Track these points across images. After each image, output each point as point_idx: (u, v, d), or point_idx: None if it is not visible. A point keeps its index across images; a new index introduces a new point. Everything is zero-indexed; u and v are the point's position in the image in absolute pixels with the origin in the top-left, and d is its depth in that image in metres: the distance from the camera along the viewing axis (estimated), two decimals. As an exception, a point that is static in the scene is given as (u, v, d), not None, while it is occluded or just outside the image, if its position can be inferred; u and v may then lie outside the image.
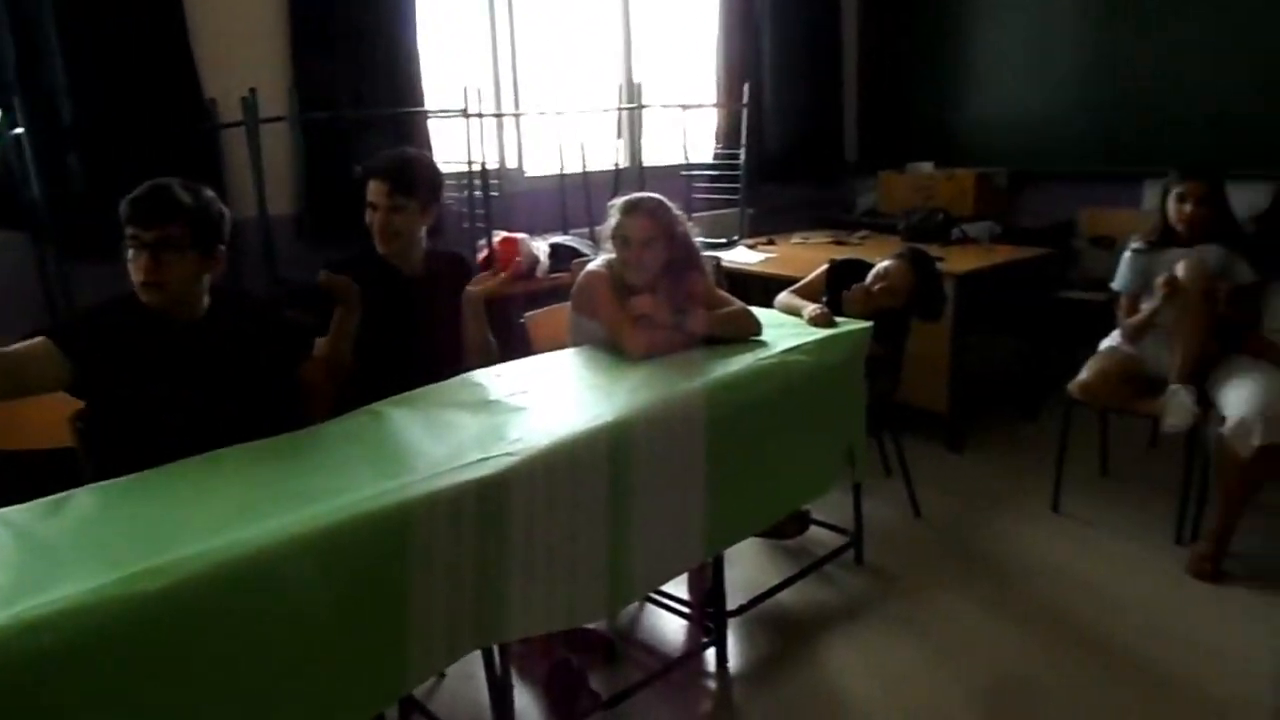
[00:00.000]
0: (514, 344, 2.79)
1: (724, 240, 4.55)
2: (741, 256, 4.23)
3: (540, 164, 4.48)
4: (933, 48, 5.57)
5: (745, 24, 5.18)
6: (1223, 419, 2.71)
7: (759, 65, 5.30)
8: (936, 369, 3.70)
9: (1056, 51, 5.05)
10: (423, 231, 2.46)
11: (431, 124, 3.85)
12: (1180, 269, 2.81)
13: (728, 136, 5.03)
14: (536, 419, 1.91)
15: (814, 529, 3.06)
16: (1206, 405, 2.81)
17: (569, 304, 2.57)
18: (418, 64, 3.76)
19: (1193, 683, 2.32)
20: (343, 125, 3.48)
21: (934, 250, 3.98)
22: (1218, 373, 2.85)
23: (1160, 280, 2.84)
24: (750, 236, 4.79)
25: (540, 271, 3.75)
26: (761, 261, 4.11)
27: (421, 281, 2.44)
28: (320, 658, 1.47)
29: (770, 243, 4.59)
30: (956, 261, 3.80)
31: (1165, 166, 3.07)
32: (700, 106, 5.00)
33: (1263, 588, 2.73)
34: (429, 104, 3.80)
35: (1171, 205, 2.93)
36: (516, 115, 4.32)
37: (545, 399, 2.06)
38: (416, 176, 2.36)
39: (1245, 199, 3.00)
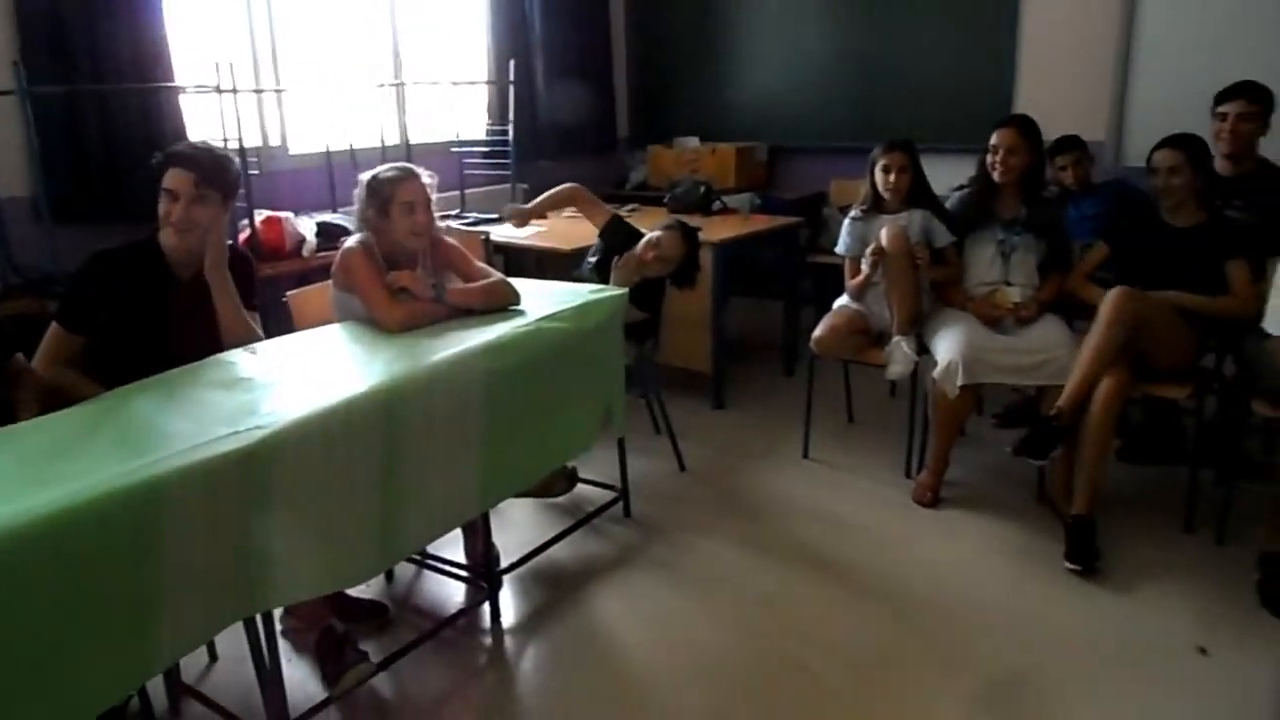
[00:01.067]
0: (280, 325, 2.77)
1: (495, 216, 4.63)
2: (513, 231, 4.33)
3: (306, 141, 4.39)
4: (697, 28, 5.85)
5: (513, 1, 5.26)
6: (935, 363, 3.08)
7: (529, 43, 5.39)
8: (700, 331, 3.96)
9: (807, 35, 5.45)
10: (223, 227, 2.35)
11: (186, 100, 3.70)
12: (883, 236, 3.16)
13: (499, 113, 5.11)
14: (293, 392, 1.95)
15: (585, 487, 3.23)
16: (925, 353, 3.19)
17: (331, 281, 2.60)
18: (164, 36, 3.61)
19: (914, 588, 2.66)
20: (79, 100, 3.29)
21: (696, 220, 4.25)
22: (930, 324, 3.23)
23: (870, 249, 3.19)
24: (524, 211, 4.89)
25: (307, 250, 3.71)
26: (533, 235, 4.23)
27: (199, 282, 2.33)
28: (57, 645, 1.47)
29: (542, 217, 4.71)
30: (716, 230, 4.06)
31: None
32: (467, 83, 5.04)
33: (971, 508, 3.15)
34: (181, 79, 3.65)
35: (878, 176, 3.29)
36: (277, 91, 4.22)
37: (303, 373, 2.09)
38: (223, 167, 2.29)
39: (966, 169, 3.39)
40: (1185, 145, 2.97)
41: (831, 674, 2.31)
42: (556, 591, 2.72)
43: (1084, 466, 2.81)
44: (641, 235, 3.29)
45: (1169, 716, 2.14)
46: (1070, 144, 3.86)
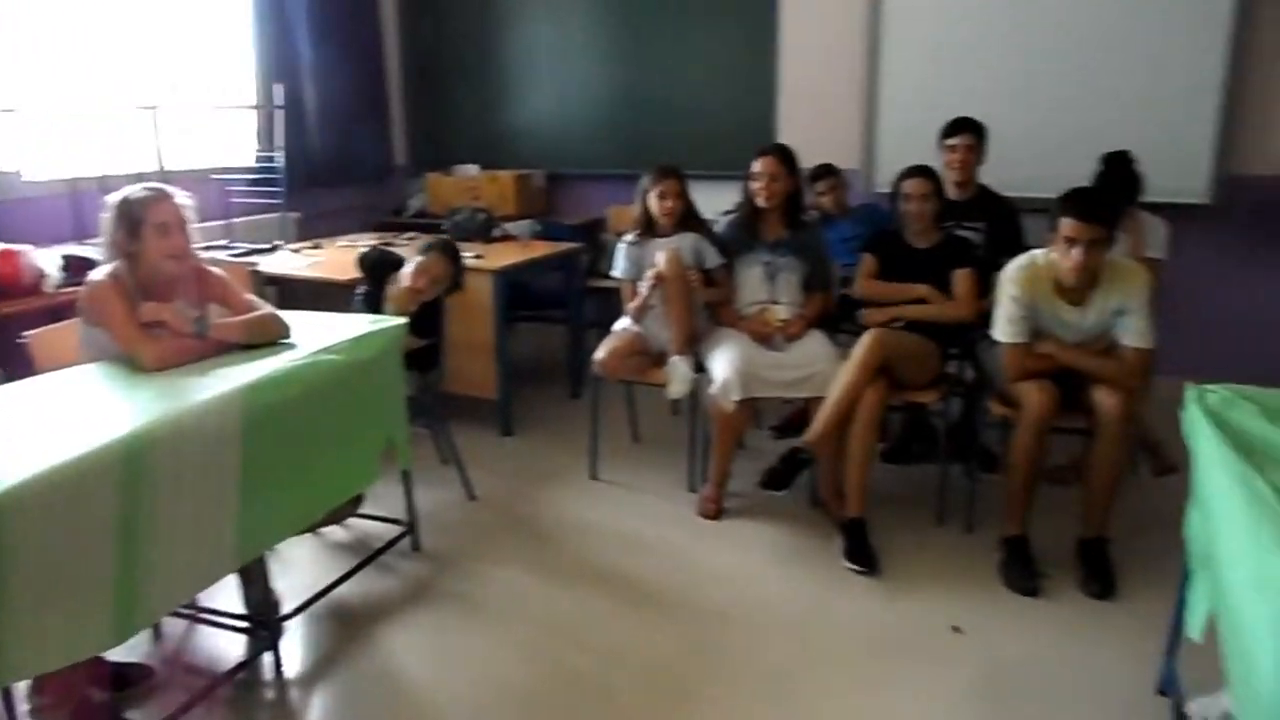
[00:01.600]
0: (16, 368, 2.52)
1: (266, 246, 4.43)
2: (285, 262, 4.16)
3: (48, 168, 4.03)
4: (472, 56, 5.85)
5: (278, 25, 5.06)
6: (712, 380, 3.22)
7: (297, 66, 5.21)
8: (484, 358, 3.94)
9: (581, 66, 5.58)
10: None
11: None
12: (660, 259, 3.29)
13: (268, 139, 4.89)
14: (17, 447, 1.77)
15: (372, 523, 3.13)
16: (702, 372, 3.32)
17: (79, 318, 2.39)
18: None
19: (705, 599, 2.76)
20: None
21: (476, 248, 4.24)
22: (705, 343, 3.38)
23: (649, 272, 3.31)
24: (298, 241, 4.71)
25: (49, 286, 3.40)
26: (308, 266, 4.07)
27: None
28: None
29: (317, 247, 4.55)
30: (497, 257, 4.07)
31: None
32: (230, 108, 4.80)
33: (752, 516, 3.31)
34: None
35: (651, 201, 3.42)
36: (5, 111, 3.85)
37: (35, 423, 1.91)
38: None
39: (731, 195, 3.59)
40: (931, 175, 3.30)
41: (631, 690, 2.36)
42: (344, 635, 2.61)
43: (854, 472, 3.03)
44: (401, 261, 3.25)
45: (933, 690, 2.33)
46: (827, 171, 4.16)
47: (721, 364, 3.19)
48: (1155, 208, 3.62)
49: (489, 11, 5.73)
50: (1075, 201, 2.68)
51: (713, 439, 3.33)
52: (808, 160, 4.00)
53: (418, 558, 3.04)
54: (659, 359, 3.45)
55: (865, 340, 3.05)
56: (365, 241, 4.76)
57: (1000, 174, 3.71)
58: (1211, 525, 1.77)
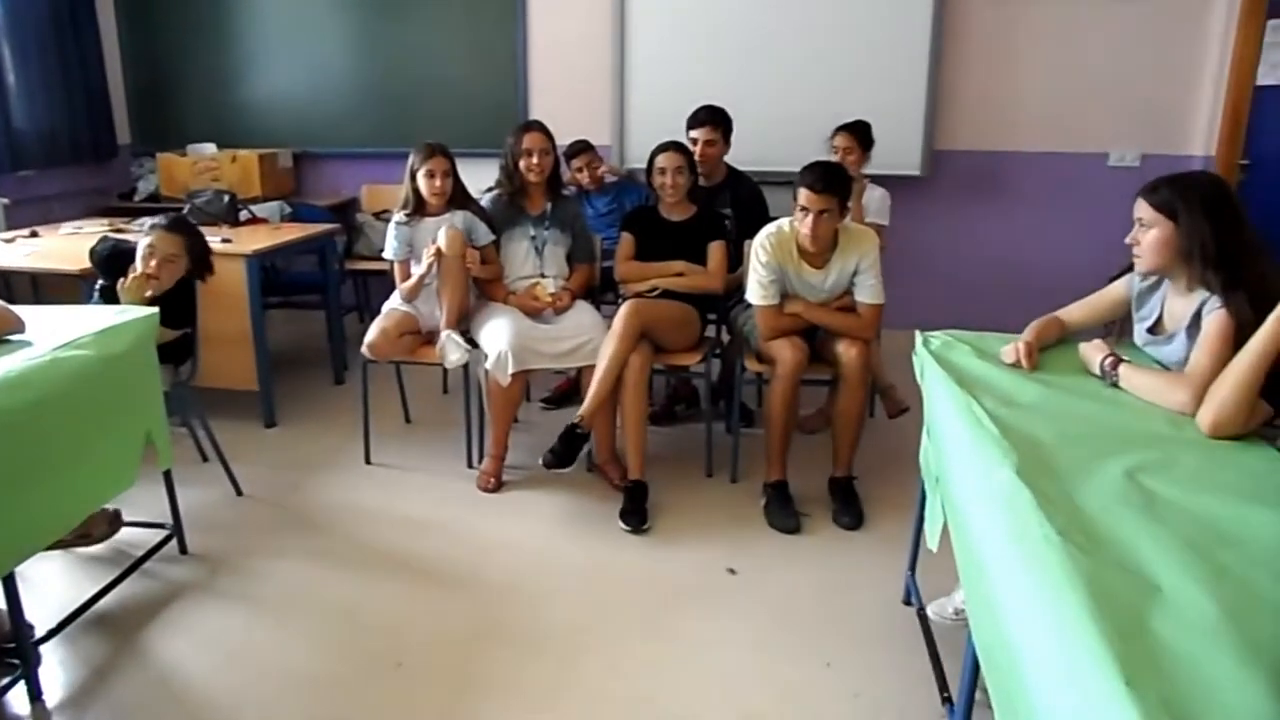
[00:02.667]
0: None
1: (-27, 235, 3.96)
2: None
3: None
4: (201, 28, 5.46)
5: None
6: (486, 355, 3.25)
7: (-11, 36, 4.65)
8: (241, 348, 3.75)
9: (324, 39, 5.36)
10: None
11: None
12: (441, 238, 3.27)
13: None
14: None
15: (132, 530, 2.92)
16: (474, 348, 3.34)
17: None
18: None
19: (492, 571, 2.80)
20: None
21: (224, 231, 4.01)
22: (476, 320, 3.40)
23: (429, 250, 3.29)
24: (9, 229, 4.24)
25: None
26: (27, 256, 3.68)
27: None
28: None
29: (34, 234, 4.11)
30: (245, 241, 3.86)
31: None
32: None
33: (533, 487, 3.38)
34: None
35: (422, 181, 3.38)
36: None
37: None
38: None
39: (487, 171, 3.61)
40: (683, 149, 3.48)
41: (425, 666, 2.37)
42: (112, 650, 2.43)
43: (631, 436, 3.17)
44: (128, 249, 3.01)
45: (716, 628, 2.52)
46: (584, 147, 4.27)
47: (495, 339, 3.23)
48: (879, 179, 4.03)
49: (216, -21, 5.37)
50: (810, 174, 2.95)
51: (488, 413, 3.37)
52: (562, 137, 4.10)
53: (186, 561, 2.87)
54: (430, 337, 3.43)
55: (623, 311, 3.20)
56: (91, 229, 4.36)
57: (746, 150, 3.98)
58: (941, 449, 2.04)
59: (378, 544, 2.98)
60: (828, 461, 3.23)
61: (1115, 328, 2.52)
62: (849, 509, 3.11)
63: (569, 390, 4.05)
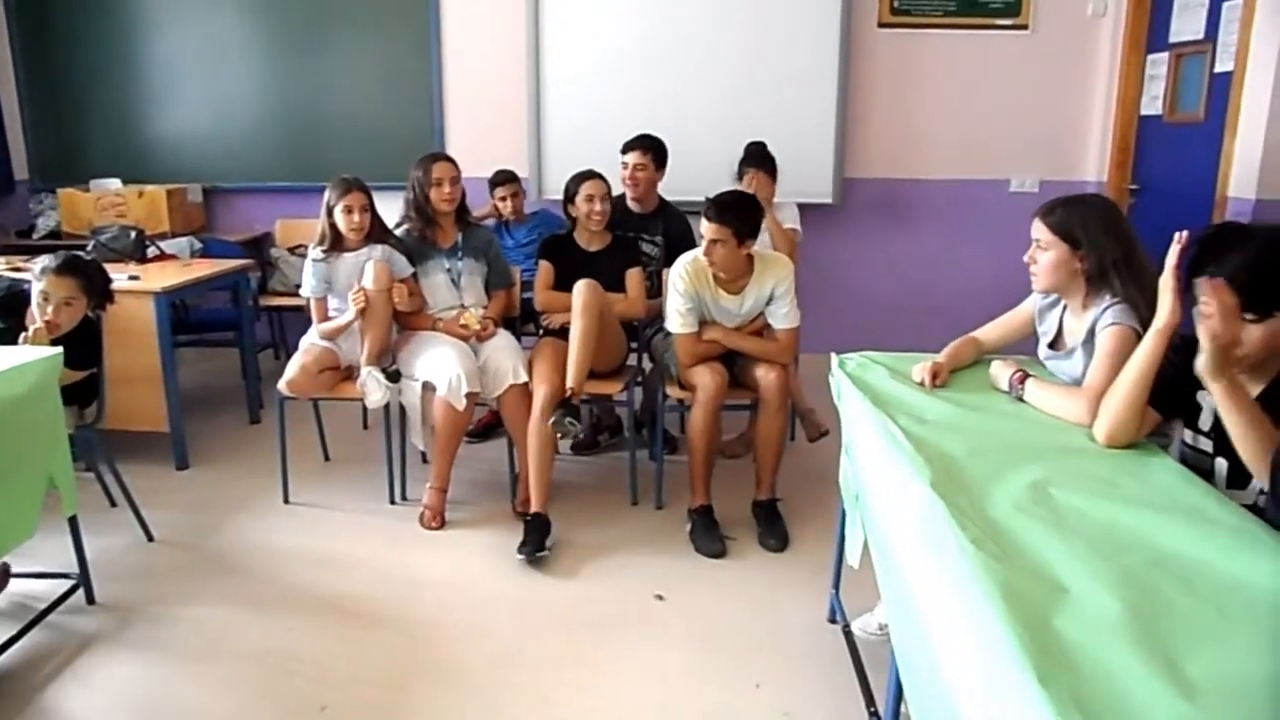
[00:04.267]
0: None
1: None
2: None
3: None
4: (104, 60, 5.31)
5: None
6: (424, 384, 3.21)
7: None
8: (150, 389, 3.64)
9: (233, 68, 5.27)
10: None
11: None
12: (368, 276, 3.23)
13: None
14: None
15: (34, 581, 2.79)
16: (397, 380, 3.29)
17: None
18: None
19: (418, 607, 2.76)
20: None
21: (131, 268, 3.90)
22: (404, 352, 3.36)
23: (355, 296, 3.24)
24: (-105, 270, 4.04)
25: None
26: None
27: None
28: None
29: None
30: (154, 278, 3.76)
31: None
32: None
33: (462, 522, 3.34)
34: None
35: (340, 216, 3.33)
36: None
37: None
38: None
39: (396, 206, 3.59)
40: (601, 178, 3.53)
41: (351, 708, 2.31)
42: (14, 711, 2.32)
43: (531, 468, 3.14)
44: (24, 290, 2.87)
45: (645, 654, 2.52)
46: (508, 177, 4.28)
47: (442, 365, 3.19)
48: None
49: (122, 11, 5.24)
50: (709, 206, 3.01)
51: (435, 447, 3.31)
52: (479, 169, 4.12)
53: (95, 611, 2.76)
54: (350, 373, 3.38)
55: (580, 289, 3.21)
56: (-13, 268, 4.19)
57: (665, 181, 4.05)
58: (859, 467, 2.10)
59: (298, 585, 2.91)
60: (751, 485, 3.27)
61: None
62: (773, 531, 3.16)
63: (492, 422, 4.03)
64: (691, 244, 3.83)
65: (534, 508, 3.13)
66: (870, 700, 2.24)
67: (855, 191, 5.10)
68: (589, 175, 3.52)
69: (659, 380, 3.45)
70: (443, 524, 3.30)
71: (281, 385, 3.28)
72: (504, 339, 3.43)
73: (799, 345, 3.30)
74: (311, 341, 3.43)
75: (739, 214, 3.01)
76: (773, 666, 2.48)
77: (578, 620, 2.71)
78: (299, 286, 3.49)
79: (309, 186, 5.13)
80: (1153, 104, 4.68)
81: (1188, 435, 1.91)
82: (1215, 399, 1.68)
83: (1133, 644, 1.18)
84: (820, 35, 4.88)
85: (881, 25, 4.98)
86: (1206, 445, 1.85)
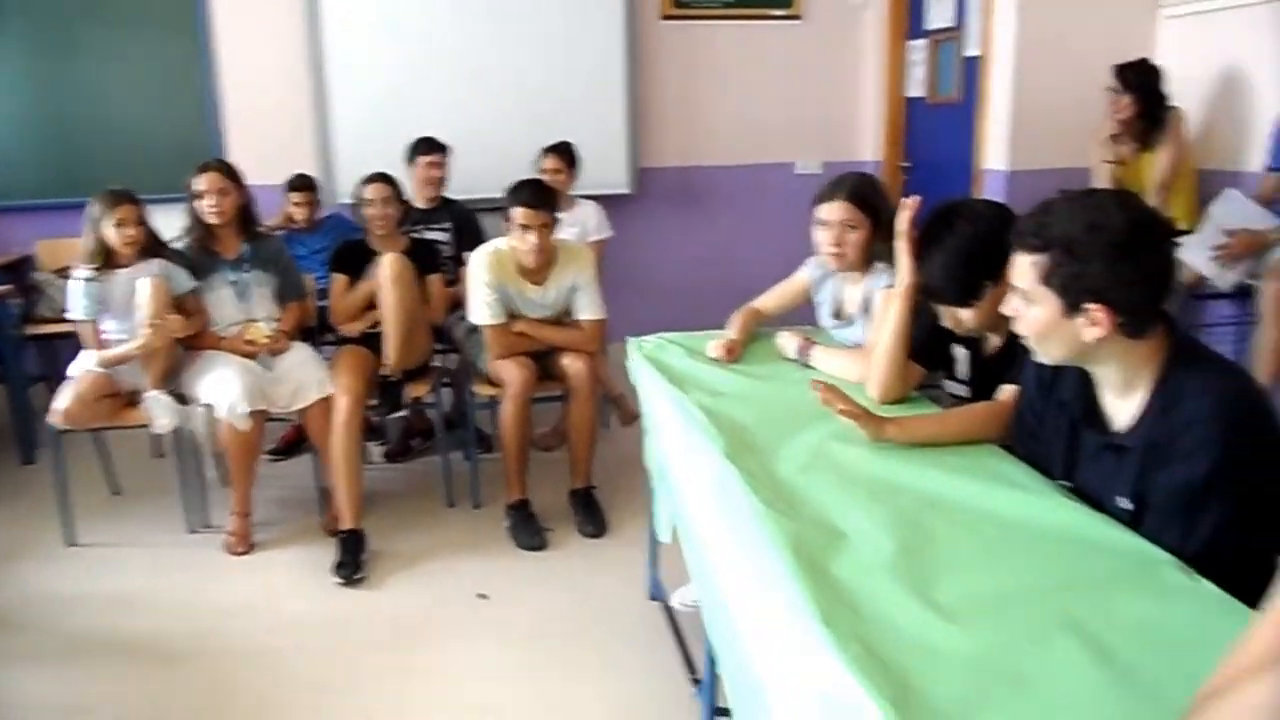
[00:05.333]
0: None
1: None
2: None
3: None
4: None
5: None
6: (207, 407, 3.04)
7: None
8: (-103, 436, 3.27)
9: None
10: None
11: None
12: (142, 294, 2.99)
13: None
14: None
15: None
16: (186, 403, 3.11)
17: None
18: None
19: (223, 639, 2.61)
20: None
21: None
22: (188, 374, 3.17)
23: (147, 324, 2.99)
24: None
25: None
26: None
27: None
28: None
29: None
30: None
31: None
32: None
33: (266, 545, 3.19)
34: None
35: (109, 231, 3.08)
36: None
37: None
38: None
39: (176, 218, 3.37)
40: (390, 180, 3.45)
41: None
42: None
43: (340, 482, 3.04)
44: None
45: (474, 656, 2.51)
46: (305, 183, 4.11)
47: (221, 387, 3.02)
48: (590, 197, 4.21)
49: None
50: (523, 192, 3.02)
51: (231, 470, 3.14)
52: (266, 175, 3.94)
53: None
54: (132, 398, 3.16)
55: (387, 263, 3.17)
56: None
57: (459, 179, 4.02)
58: (661, 445, 2.16)
59: (88, 631, 2.70)
60: (568, 476, 3.30)
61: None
62: (591, 518, 3.19)
63: (296, 439, 3.86)
64: (477, 231, 3.85)
65: (345, 524, 3.03)
66: (692, 668, 2.31)
67: (651, 181, 5.22)
68: (372, 178, 3.45)
69: (466, 378, 3.42)
70: (249, 548, 3.15)
71: (54, 417, 3.02)
72: (303, 351, 3.29)
73: (607, 334, 3.34)
74: (85, 367, 3.18)
75: (552, 200, 3.07)
76: (598, 649, 2.51)
77: (400, 631, 2.65)
78: (68, 311, 3.22)
79: (73, 203, 4.71)
80: (916, 86, 5.03)
81: (949, 384, 2.09)
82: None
83: (902, 578, 1.28)
84: (605, 29, 4.96)
85: (665, 18, 5.11)
86: (965, 392, 2.03)
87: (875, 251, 2.31)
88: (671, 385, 2.15)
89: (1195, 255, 3.28)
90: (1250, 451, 1.31)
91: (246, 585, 2.94)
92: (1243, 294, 3.31)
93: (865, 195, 2.30)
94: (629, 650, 2.50)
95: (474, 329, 3.23)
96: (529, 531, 3.12)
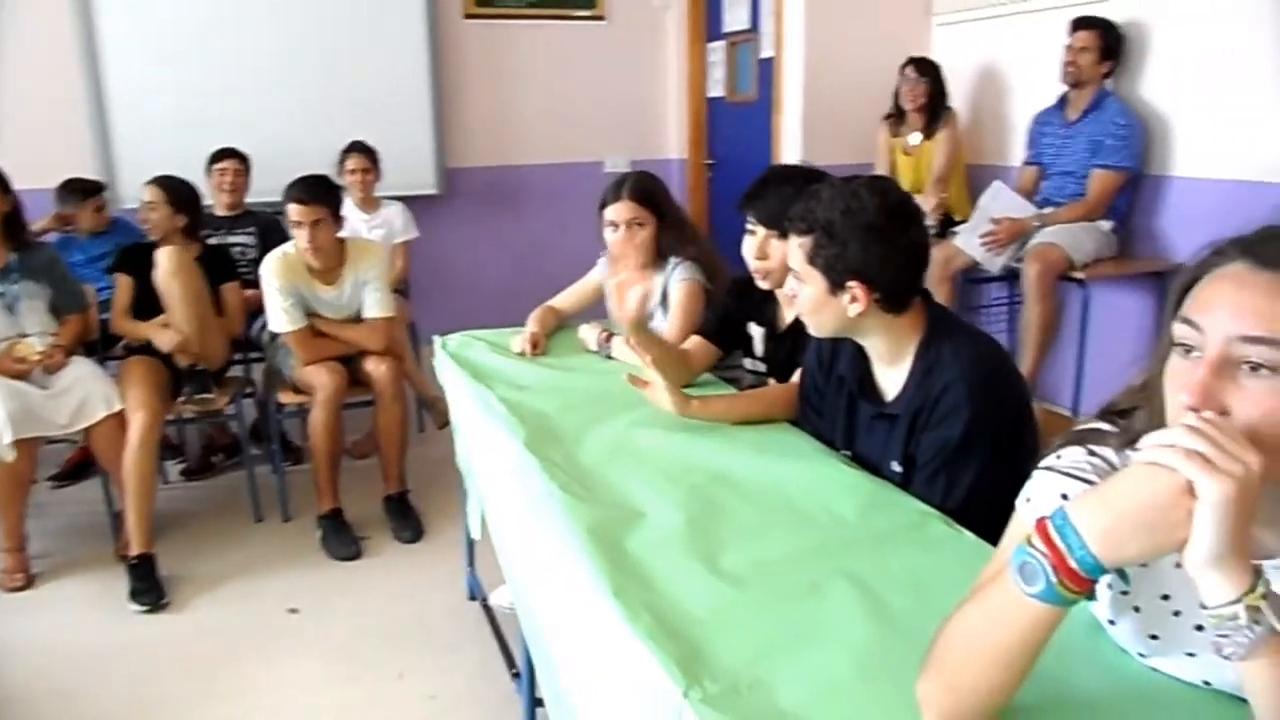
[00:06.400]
0: None
1: None
2: None
3: None
4: None
5: None
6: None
7: None
8: None
9: None
10: None
11: None
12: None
13: None
14: None
15: None
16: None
17: None
18: None
19: (10, 685, 2.40)
20: None
21: None
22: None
23: None
24: None
25: None
26: None
27: None
28: None
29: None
30: None
31: None
32: None
33: (58, 576, 2.95)
34: None
35: None
36: None
37: None
38: None
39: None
40: (168, 185, 3.23)
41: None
42: None
43: (131, 505, 2.85)
44: None
45: (290, 672, 2.41)
46: (93, 188, 3.82)
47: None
48: (397, 198, 4.14)
49: None
50: (296, 187, 2.93)
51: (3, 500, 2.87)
52: (37, 179, 3.64)
53: None
54: None
55: (165, 255, 3.05)
56: None
57: (262, 181, 3.85)
58: (469, 442, 2.14)
59: None
60: (381, 482, 3.22)
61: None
62: (407, 523, 3.13)
63: (82, 461, 3.58)
64: (283, 236, 3.71)
65: (137, 549, 2.83)
66: (512, 663, 2.31)
67: (459, 181, 5.16)
68: (151, 183, 3.25)
69: (272, 386, 3.28)
70: (29, 582, 2.90)
71: None
72: (84, 366, 3.04)
73: (419, 335, 3.28)
74: None
75: (328, 192, 2.99)
76: (416, 654, 2.47)
77: (208, 654, 2.51)
78: None
79: None
80: (716, 86, 5.21)
81: (747, 363, 2.18)
82: None
83: (692, 550, 1.34)
84: (407, 28, 4.86)
85: (468, 16, 5.06)
86: (763, 368, 2.13)
87: (664, 244, 2.39)
88: (475, 381, 2.15)
89: (968, 242, 3.56)
90: (999, 410, 1.45)
91: (32, 622, 2.70)
92: (1011, 276, 3.62)
93: (647, 192, 2.38)
94: (450, 651, 2.48)
95: (273, 337, 3.11)
96: (342, 541, 3.02)
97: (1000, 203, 3.60)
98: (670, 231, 2.39)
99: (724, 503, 1.49)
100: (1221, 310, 0.82)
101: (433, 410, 3.72)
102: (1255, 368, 0.81)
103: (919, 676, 0.95)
